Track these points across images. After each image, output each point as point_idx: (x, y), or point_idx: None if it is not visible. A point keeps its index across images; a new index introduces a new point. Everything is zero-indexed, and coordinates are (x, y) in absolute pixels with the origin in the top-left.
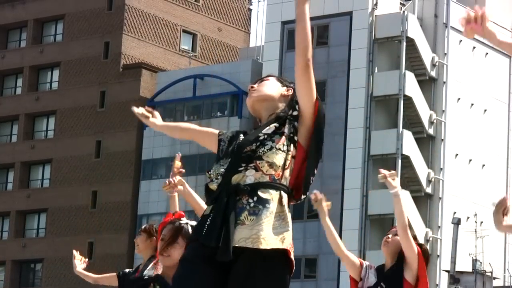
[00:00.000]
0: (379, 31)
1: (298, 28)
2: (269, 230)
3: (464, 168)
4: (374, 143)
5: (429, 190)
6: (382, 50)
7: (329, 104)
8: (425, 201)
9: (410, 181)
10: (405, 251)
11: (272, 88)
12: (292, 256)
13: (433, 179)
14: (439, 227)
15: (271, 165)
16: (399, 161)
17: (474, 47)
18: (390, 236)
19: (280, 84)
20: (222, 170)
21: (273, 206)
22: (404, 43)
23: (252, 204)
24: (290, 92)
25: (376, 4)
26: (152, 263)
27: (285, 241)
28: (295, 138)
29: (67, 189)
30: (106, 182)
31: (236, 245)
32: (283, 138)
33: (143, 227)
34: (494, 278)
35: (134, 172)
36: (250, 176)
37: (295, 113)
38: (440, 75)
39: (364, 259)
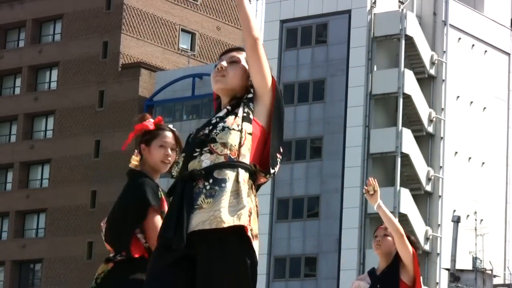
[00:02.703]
0: (378, 29)
1: (240, 14)
2: (225, 209)
3: (463, 166)
4: (373, 141)
5: (428, 188)
6: (381, 48)
7: (328, 102)
8: (425, 199)
9: (409, 179)
10: (402, 255)
11: (239, 77)
12: (249, 233)
13: (432, 177)
14: (439, 225)
15: (225, 145)
16: (399, 159)
17: (473, 45)
18: (379, 238)
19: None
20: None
21: (229, 185)
22: (403, 41)
23: (208, 187)
24: None
25: (374, 2)
26: None
27: (241, 217)
28: (251, 116)
29: (66, 189)
30: (105, 182)
31: (195, 229)
32: (236, 118)
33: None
34: (494, 276)
35: None
36: (205, 160)
37: (250, 95)
38: (439, 73)
39: (364, 257)
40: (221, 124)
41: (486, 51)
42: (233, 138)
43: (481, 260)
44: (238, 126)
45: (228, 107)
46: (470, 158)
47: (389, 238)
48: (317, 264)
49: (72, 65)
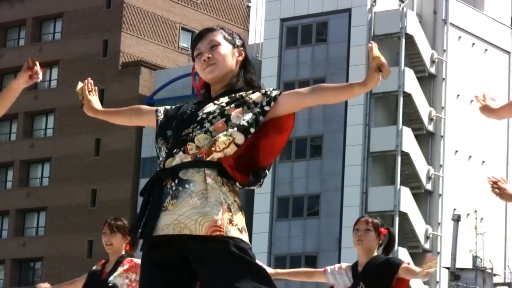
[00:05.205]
0: (378, 27)
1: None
2: (188, 213)
3: (464, 164)
4: (373, 140)
5: (429, 186)
6: (381, 47)
7: None
8: (425, 198)
9: (410, 177)
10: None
11: (229, 58)
12: (227, 233)
13: (433, 176)
14: (439, 223)
15: (198, 147)
16: (399, 158)
17: (473, 44)
18: (361, 233)
19: (232, 47)
20: (164, 154)
21: (193, 186)
22: (403, 40)
23: (174, 188)
24: (243, 54)
25: (375, 1)
26: (122, 269)
27: (205, 225)
28: (251, 130)
29: (66, 188)
30: (105, 180)
31: (161, 234)
32: (228, 123)
33: (113, 223)
34: (495, 275)
35: (134, 170)
36: (177, 159)
37: (266, 108)
38: (440, 71)
39: None
40: (207, 125)
41: (486, 50)
42: (208, 143)
43: (481, 259)
44: (222, 134)
45: (223, 103)
46: (470, 156)
47: (372, 232)
48: (317, 263)
49: (72, 63)
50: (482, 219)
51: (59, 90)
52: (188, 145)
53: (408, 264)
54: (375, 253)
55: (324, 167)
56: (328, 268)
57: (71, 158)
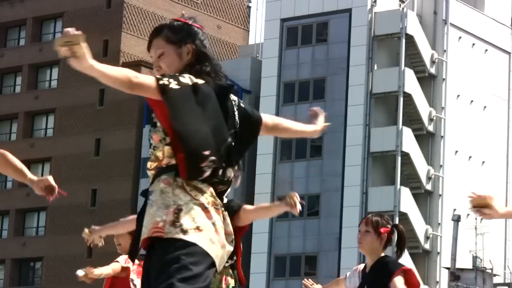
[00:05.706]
0: (379, 28)
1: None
2: (145, 223)
3: (464, 164)
4: (373, 140)
5: (429, 187)
6: (381, 47)
7: (328, 101)
8: (425, 198)
9: (410, 178)
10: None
11: (175, 64)
12: (167, 235)
13: (433, 176)
14: (439, 224)
15: (152, 162)
16: (399, 158)
17: (473, 44)
18: (360, 235)
19: (176, 47)
20: None
21: (153, 196)
22: (404, 40)
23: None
24: (191, 50)
25: (375, 1)
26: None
27: (149, 227)
28: (158, 124)
29: (66, 188)
30: (105, 180)
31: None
32: (157, 134)
33: None
34: (495, 275)
35: (134, 170)
36: (149, 175)
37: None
38: (440, 72)
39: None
40: (151, 141)
41: (486, 50)
42: (159, 154)
43: (481, 259)
44: (159, 143)
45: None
46: (470, 157)
47: (371, 234)
48: (317, 263)
49: None
50: (482, 219)
51: (59, 90)
52: (149, 162)
53: (406, 270)
54: (382, 254)
55: (324, 167)
56: (347, 273)
57: (71, 158)
